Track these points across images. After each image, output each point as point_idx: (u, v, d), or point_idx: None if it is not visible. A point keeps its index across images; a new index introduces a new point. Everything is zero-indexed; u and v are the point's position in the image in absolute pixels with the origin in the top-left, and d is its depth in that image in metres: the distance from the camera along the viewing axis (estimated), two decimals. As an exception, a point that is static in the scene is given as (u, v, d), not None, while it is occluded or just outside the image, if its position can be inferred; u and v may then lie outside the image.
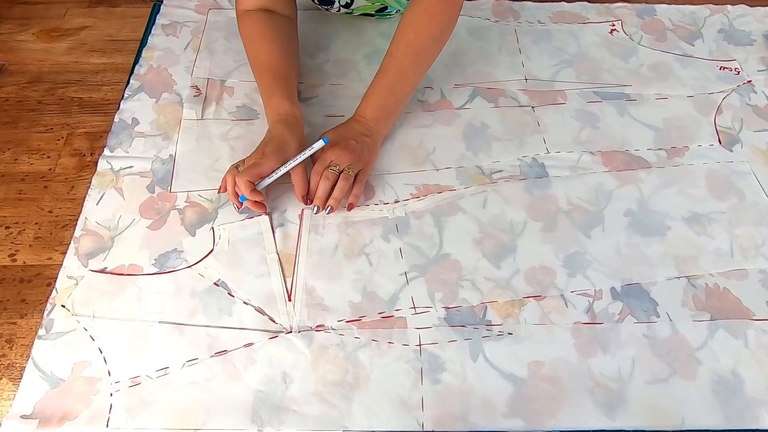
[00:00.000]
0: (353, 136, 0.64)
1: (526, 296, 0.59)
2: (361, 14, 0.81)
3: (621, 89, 0.76)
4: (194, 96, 0.74)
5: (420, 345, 0.56)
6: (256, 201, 0.60)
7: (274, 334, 0.56)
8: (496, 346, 0.56)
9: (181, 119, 0.71)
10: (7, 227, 0.63)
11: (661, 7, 0.87)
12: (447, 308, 0.58)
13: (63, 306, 0.56)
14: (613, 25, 0.84)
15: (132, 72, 0.75)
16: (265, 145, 0.61)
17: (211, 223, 0.63)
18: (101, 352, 0.54)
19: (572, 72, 0.78)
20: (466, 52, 0.80)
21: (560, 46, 0.81)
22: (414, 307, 0.58)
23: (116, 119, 0.70)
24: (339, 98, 0.75)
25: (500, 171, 0.68)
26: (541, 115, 0.73)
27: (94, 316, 0.56)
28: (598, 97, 0.76)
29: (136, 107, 0.71)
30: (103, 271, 0.59)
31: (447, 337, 0.56)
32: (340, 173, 0.62)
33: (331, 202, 0.62)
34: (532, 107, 0.74)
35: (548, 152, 0.70)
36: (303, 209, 0.64)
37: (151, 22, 0.83)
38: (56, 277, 0.58)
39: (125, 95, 0.73)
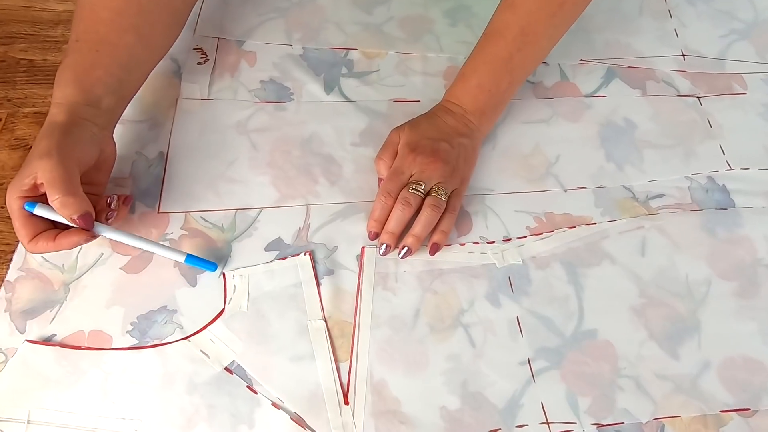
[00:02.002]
0: (444, 136, 0.42)
1: (726, 409, 0.38)
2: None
3: (825, 75, 0.56)
4: (198, 64, 0.52)
5: (561, 491, 0.37)
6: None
7: (323, 464, 0.37)
8: (685, 497, 0.36)
9: (178, 99, 0.49)
10: None
11: None
12: (600, 426, 0.37)
13: (-22, 405, 0.38)
14: (799, -19, 0.63)
15: (108, 25, 0.55)
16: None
17: (222, 265, 0.42)
18: (39, 487, 0.36)
19: (750, 47, 0.55)
20: (593, 13, 0.56)
21: (727, 8, 0.58)
22: (547, 423, 0.38)
23: (82, 94, 0.51)
24: (410, 74, 0.53)
25: (661, 195, 0.47)
26: (713, 111, 0.51)
27: (29, 422, 0.36)
28: (792, 86, 0.55)
29: (112, 77, 0.52)
30: (48, 341, 0.38)
31: (605, 479, 0.37)
32: (425, 195, 0.41)
33: (408, 240, 0.41)
34: (698, 97, 0.53)
35: (730, 168, 0.47)
36: (363, 248, 0.43)
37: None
38: (-26, 350, 0.40)
39: (97, 59, 0.53)
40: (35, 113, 0.49)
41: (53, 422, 0.36)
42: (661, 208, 0.45)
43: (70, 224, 0.37)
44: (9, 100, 0.50)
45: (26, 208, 0.36)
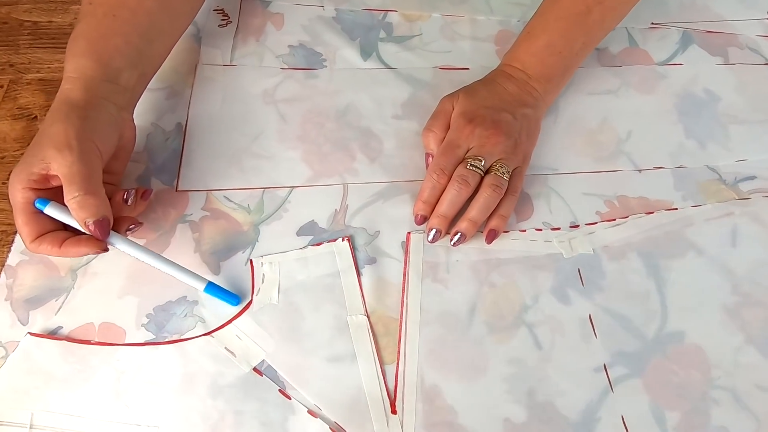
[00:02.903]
0: (506, 105, 0.37)
1: (842, 428, 0.35)
2: None
3: None
4: (219, 26, 0.48)
5: None
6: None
7: (368, 484, 0.32)
8: None
9: (197, 65, 0.44)
10: None
11: None
12: (692, 445, 0.34)
13: (-25, 406, 0.34)
14: None
15: (120, -15, 0.51)
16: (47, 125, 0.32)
17: (248, 250, 0.37)
18: (42, 503, 0.32)
19: None
20: (664, -30, 0.53)
21: (818, -34, 0.54)
22: (628, 439, 0.34)
23: (91, 60, 0.46)
24: (456, 39, 0.47)
25: (752, 177, 0.41)
26: (808, 82, 0.47)
27: (31, 426, 0.31)
28: None
29: (124, 42, 0.47)
30: (54, 335, 0.34)
31: None
32: (484, 173, 0.36)
33: (463, 225, 0.36)
34: (789, 67, 0.48)
35: (831, 147, 0.44)
36: (409, 233, 0.38)
37: None
38: (-29, 343, 0.36)
39: (107, 21, 0.49)
40: (39, 80, 0.45)
41: (59, 427, 0.32)
42: (753, 192, 0.40)
43: (81, 229, 0.32)
44: (11, 66, 0.45)
45: (37, 205, 0.32)
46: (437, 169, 0.36)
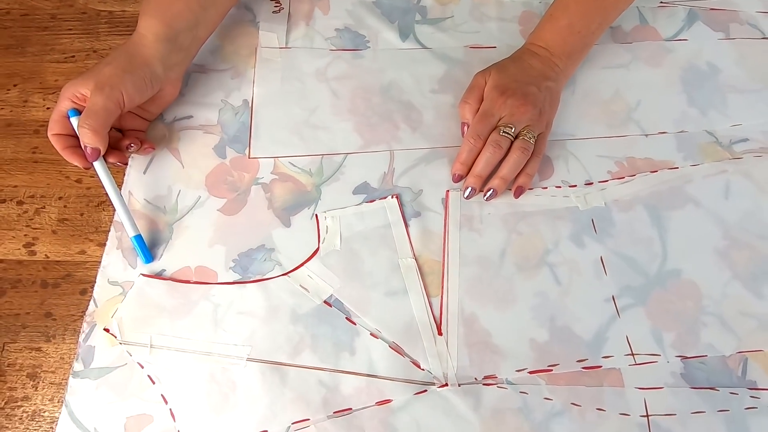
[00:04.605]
0: (532, 80, 0.43)
1: (810, 345, 0.41)
2: None
3: None
4: (273, 12, 0.54)
5: (648, 416, 0.38)
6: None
7: (422, 388, 0.38)
8: (769, 424, 0.39)
9: (257, 48, 0.51)
10: (20, 202, 0.46)
11: None
12: (684, 358, 0.40)
13: (107, 330, 0.41)
14: None
15: (180, -25, 0.56)
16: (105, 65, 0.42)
17: (313, 207, 0.44)
18: (166, 403, 0.39)
19: (841, -14, 0.56)
20: (673, -48, 0.58)
21: (818, -55, 0.58)
22: (632, 354, 0.40)
23: (162, 45, 0.53)
24: (484, 20, 0.53)
25: (745, 140, 0.47)
26: (801, 54, 0.52)
27: (151, 346, 0.40)
28: None
29: (189, 27, 0.53)
30: (159, 276, 0.42)
31: (689, 406, 0.38)
32: (514, 138, 0.43)
33: (495, 182, 0.42)
34: (785, 40, 0.53)
35: (818, 112, 0.50)
36: (448, 191, 0.45)
37: None
38: (93, 282, 0.42)
39: (173, 9, 0.55)
40: (121, 63, 0.52)
41: (172, 347, 0.40)
42: (745, 153, 0.46)
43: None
44: (95, 51, 0.52)
45: (69, 113, 0.42)
46: (474, 134, 0.42)
